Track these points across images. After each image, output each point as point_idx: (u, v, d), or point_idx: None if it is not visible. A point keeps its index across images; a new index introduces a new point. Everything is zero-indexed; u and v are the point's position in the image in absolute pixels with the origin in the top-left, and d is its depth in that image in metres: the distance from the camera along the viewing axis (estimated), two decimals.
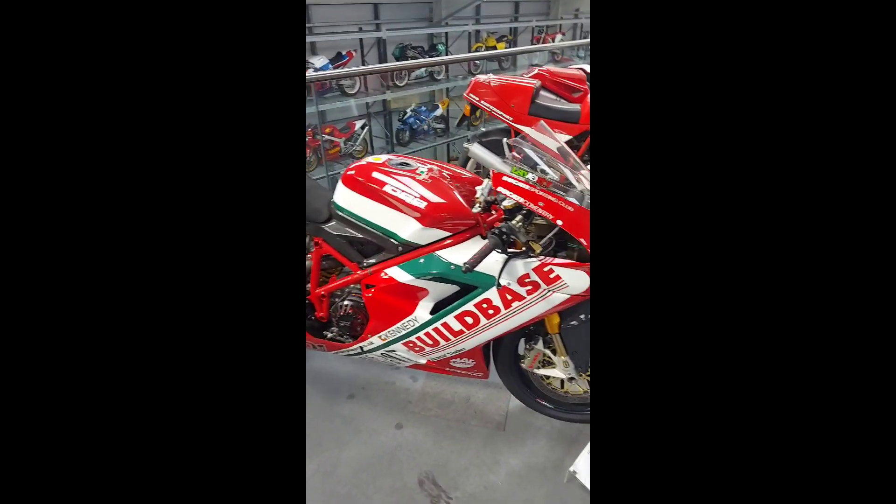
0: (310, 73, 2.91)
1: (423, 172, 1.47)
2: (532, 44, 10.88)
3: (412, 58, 8.26)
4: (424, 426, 1.74)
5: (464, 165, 3.08)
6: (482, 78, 2.93)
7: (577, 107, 2.77)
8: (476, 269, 1.21)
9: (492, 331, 1.39)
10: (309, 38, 7.57)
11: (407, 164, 1.52)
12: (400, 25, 8.70)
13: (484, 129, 3.20)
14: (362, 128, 7.97)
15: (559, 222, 1.20)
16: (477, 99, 2.91)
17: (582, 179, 1.27)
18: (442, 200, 1.39)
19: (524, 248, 1.23)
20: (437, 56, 8.71)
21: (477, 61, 9.71)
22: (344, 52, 7.52)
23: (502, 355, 1.58)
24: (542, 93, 2.93)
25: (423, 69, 8.56)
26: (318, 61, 7.12)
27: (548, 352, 1.51)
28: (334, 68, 7.27)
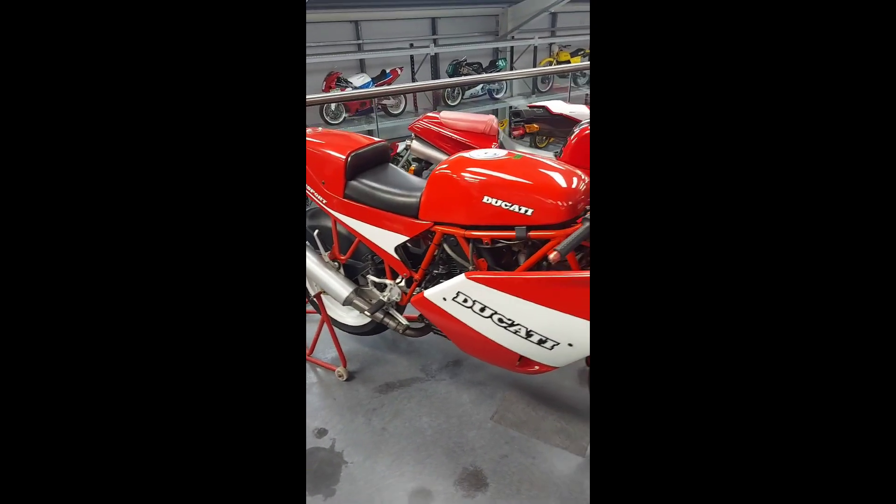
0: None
1: None
2: None
3: (466, 74, 7.69)
4: None
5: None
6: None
7: (413, 200, 1.42)
8: None
9: None
10: (357, 56, 7.36)
11: None
12: (458, 40, 8.18)
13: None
14: (406, 149, 7.58)
15: None
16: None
17: None
18: None
19: None
20: (497, 72, 8.02)
21: (547, 77, 8.82)
22: (388, 70, 7.17)
23: None
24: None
25: (479, 86, 7.95)
26: (357, 80, 6.85)
27: None
28: (376, 86, 6.98)
